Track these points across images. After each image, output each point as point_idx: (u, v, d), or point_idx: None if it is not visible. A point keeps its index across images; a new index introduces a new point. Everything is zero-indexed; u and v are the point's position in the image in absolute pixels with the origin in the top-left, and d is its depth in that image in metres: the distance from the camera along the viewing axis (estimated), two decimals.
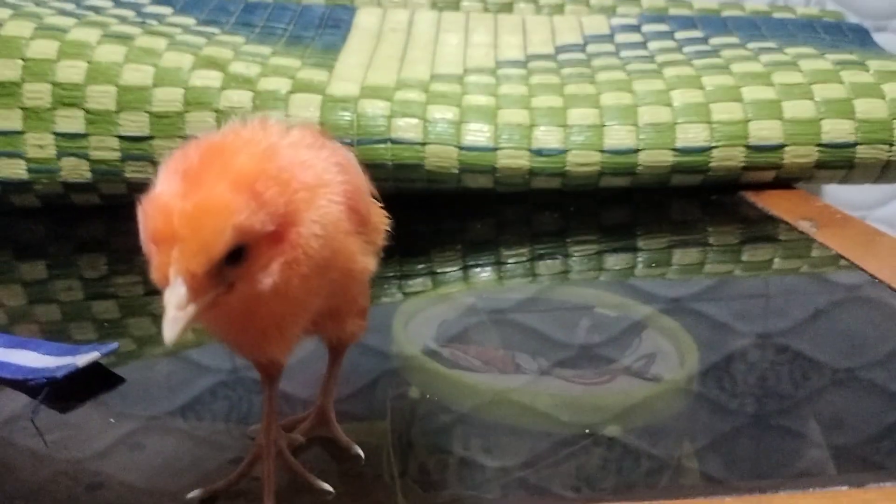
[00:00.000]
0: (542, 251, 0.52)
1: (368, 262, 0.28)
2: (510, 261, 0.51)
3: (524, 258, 0.51)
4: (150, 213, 0.23)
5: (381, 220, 0.31)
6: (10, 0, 0.57)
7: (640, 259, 0.51)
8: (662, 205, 0.57)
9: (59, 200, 0.55)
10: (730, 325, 0.42)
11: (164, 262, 0.22)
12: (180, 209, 0.22)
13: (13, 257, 0.54)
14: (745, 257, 0.52)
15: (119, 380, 0.37)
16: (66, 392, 0.35)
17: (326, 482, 0.29)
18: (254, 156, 0.24)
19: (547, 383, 0.37)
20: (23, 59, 0.53)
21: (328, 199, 0.25)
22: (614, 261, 0.51)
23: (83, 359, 0.35)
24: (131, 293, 0.48)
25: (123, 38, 0.54)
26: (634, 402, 0.36)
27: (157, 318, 0.44)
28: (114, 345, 0.37)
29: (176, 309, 0.23)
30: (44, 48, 0.53)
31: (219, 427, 0.34)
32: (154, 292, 0.54)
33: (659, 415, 0.35)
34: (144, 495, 0.30)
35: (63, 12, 0.57)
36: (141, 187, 0.59)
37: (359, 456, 0.31)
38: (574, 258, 0.52)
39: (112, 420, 0.34)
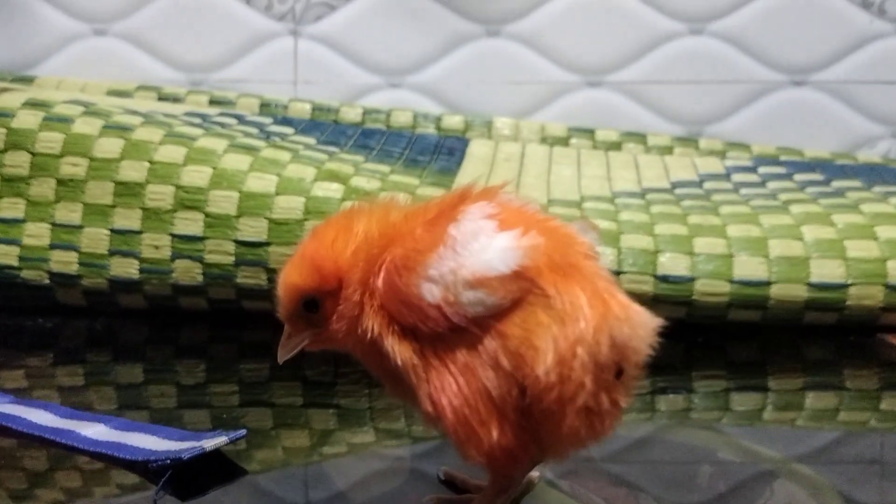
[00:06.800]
0: (663, 385, 0.49)
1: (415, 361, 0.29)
2: None
3: (643, 391, 0.48)
4: None
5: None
6: (141, 111, 0.59)
7: (769, 400, 0.47)
8: (795, 345, 0.53)
9: (167, 303, 0.55)
10: (873, 480, 0.39)
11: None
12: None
13: (112, 359, 0.53)
14: (884, 405, 0.47)
15: (241, 472, 0.34)
16: (186, 479, 0.33)
17: None
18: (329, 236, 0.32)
19: None
20: (150, 162, 0.53)
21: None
22: (741, 400, 0.47)
23: (210, 442, 0.33)
24: (227, 403, 0.46)
25: (249, 149, 0.55)
26: None
27: (250, 430, 0.43)
28: (242, 431, 0.34)
29: (283, 340, 0.31)
30: (171, 153, 0.54)
31: None
32: (248, 403, 0.52)
33: None
34: None
35: (191, 124, 0.59)
36: (249, 293, 0.58)
37: None
38: (698, 394, 0.48)
39: None
